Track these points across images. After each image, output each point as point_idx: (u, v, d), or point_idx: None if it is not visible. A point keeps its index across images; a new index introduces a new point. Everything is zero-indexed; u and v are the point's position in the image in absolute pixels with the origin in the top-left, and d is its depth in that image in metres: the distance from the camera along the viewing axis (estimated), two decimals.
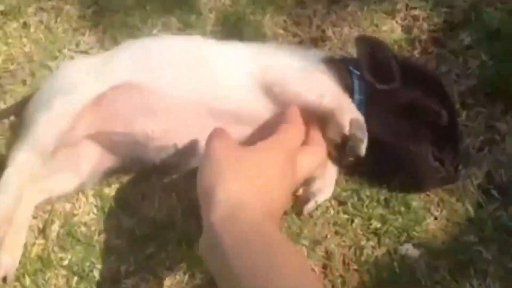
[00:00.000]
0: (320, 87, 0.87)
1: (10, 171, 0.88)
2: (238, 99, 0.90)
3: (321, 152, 0.86)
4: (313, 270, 0.87)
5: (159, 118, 0.91)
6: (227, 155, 0.72)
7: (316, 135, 0.86)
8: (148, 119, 0.91)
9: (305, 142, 0.84)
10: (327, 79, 0.89)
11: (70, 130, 0.91)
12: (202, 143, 0.89)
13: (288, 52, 0.96)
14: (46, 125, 0.90)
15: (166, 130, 0.91)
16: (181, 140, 0.91)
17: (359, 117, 0.84)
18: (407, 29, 1.14)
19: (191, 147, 0.91)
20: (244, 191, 0.69)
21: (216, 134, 0.76)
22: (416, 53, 1.11)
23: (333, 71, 0.89)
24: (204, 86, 0.91)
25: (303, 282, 0.61)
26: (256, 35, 1.13)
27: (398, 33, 1.14)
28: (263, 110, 0.90)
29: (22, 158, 0.89)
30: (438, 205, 0.95)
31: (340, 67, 0.91)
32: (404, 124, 0.90)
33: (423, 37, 1.12)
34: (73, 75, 0.95)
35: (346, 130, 0.83)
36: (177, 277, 0.88)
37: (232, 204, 0.67)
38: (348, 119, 0.83)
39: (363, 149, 0.83)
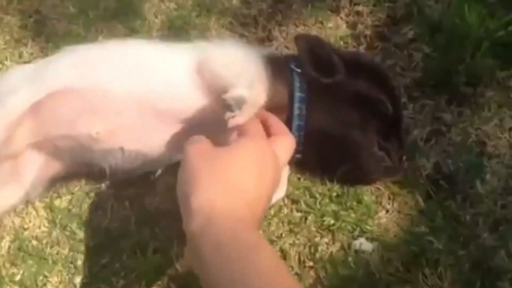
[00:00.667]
0: (243, 74, 0.85)
1: None
2: (180, 98, 0.89)
3: (291, 139, 0.82)
4: None
5: (103, 119, 0.89)
6: (200, 161, 0.71)
7: (280, 124, 0.84)
8: (91, 120, 0.89)
9: (269, 134, 0.81)
10: (255, 69, 0.87)
11: (8, 141, 0.89)
12: (149, 147, 0.89)
13: (230, 46, 0.96)
14: None
15: (110, 131, 0.89)
16: (127, 143, 0.90)
17: (250, 100, 0.80)
18: (352, 25, 1.16)
19: (138, 150, 0.90)
20: (218, 197, 0.68)
21: (191, 140, 0.75)
22: (362, 48, 1.13)
23: (272, 69, 0.88)
24: (145, 85, 0.90)
25: (280, 285, 0.61)
26: (203, 38, 1.12)
27: (343, 29, 1.15)
28: (206, 108, 0.89)
29: None
30: (389, 198, 0.97)
31: (281, 66, 0.91)
32: (350, 115, 0.90)
33: (368, 32, 1.14)
34: (8, 83, 0.93)
35: (228, 93, 0.80)
36: (133, 286, 0.88)
37: (207, 212, 0.66)
38: (242, 92, 0.80)
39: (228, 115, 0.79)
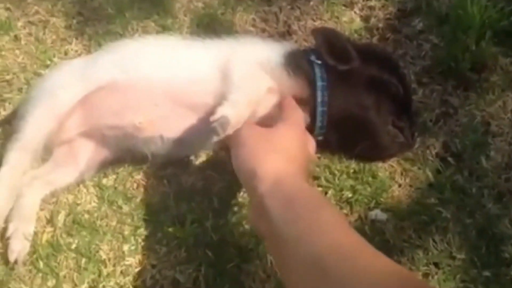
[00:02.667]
0: (250, 87, 0.93)
1: (3, 170, 0.97)
2: (207, 93, 0.95)
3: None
4: None
5: (144, 111, 0.97)
6: (256, 139, 0.84)
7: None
8: (134, 112, 0.97)
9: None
10: (264, 81, 0.95)
11: (61, 129, 0.99)
12: (185, 134, 0.98)
13: (255, 44, 1.02)
14: (32, 125, 0.97)
15: (151, 121, 0.97)
16: (166, 131, 0.98)
17: (233, 120, 0.86)
18: (365, 19, 1.23)
19: (175, 138, 0.98)
20: (280, 162, 0.79)
21: (242, 126, 0.87)
22: (374, 40, 1.20)
23: (292, 63, 0.96)
24: (176, 80, 0.97)
25: (346, 237, 0.68)
26: (229, 34, 1.16)
27: (357, 23, 1.22)
28: None
29: (13, 157, 0.97)
30: (402, 174, 1.04)
31: (302, 59, 0.98)
32: (366, 98, 0.96)
33: (380, 25, 1.21)
34: (58, 78, 1.02)
35: (214, 116, 0.87)
36: (174, 252, 0.96)
37: (273, 176, 0.77)
38: (226, 112, 0.86)
39: (213, 139, 0.87)
